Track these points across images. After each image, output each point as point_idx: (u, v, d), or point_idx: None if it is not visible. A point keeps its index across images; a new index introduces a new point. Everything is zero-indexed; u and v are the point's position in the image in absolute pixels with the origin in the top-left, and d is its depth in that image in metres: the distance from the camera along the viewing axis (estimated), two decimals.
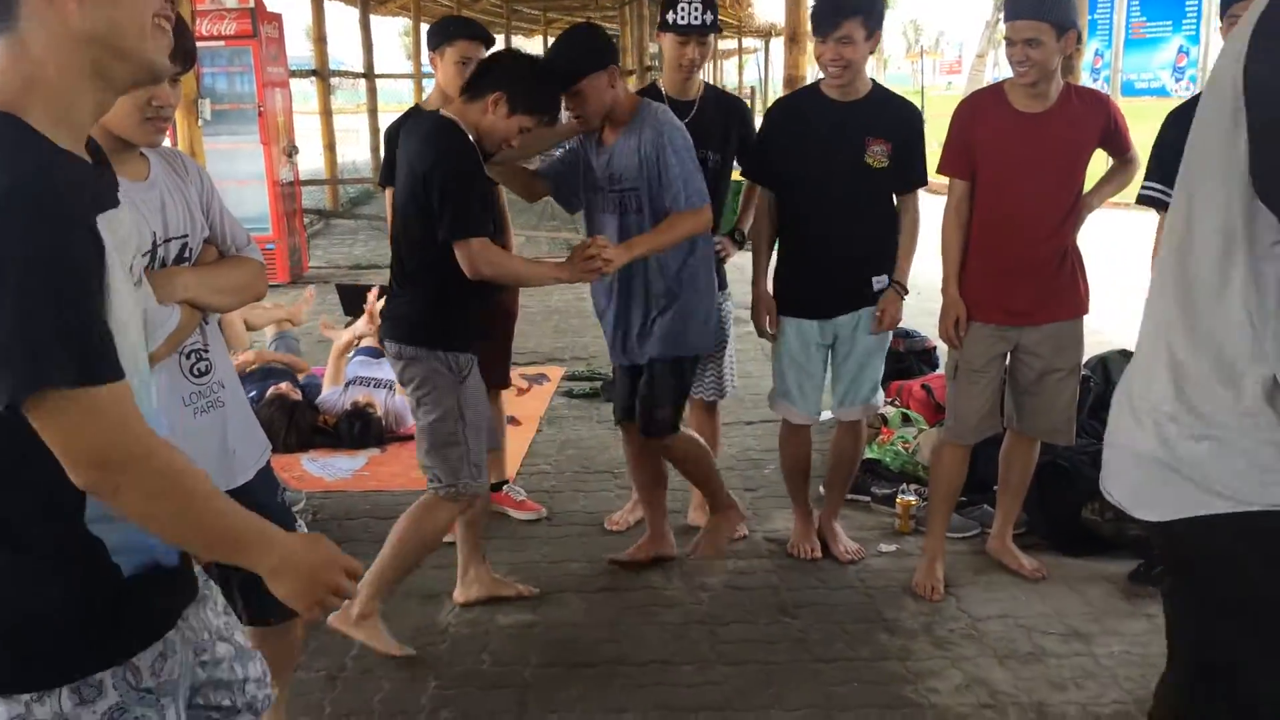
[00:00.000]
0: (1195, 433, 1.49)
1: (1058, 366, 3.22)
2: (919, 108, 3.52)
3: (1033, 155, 3.06)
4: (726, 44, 30.26)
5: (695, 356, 3.37)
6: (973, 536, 3.71)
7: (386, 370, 5.00)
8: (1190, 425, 1.50)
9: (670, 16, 3.47)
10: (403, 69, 29.75)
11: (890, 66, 60.94)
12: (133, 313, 1.30)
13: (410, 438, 4.79)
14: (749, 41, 29.98)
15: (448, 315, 2.92)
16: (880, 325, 3.39)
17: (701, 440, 3.52)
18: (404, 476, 4.38)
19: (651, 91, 3.65)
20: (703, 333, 3.31)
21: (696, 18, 3.47)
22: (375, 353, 5.05)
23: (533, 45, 27.15)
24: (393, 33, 54.64)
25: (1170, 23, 11.09)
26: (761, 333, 3.52)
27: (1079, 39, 3.11)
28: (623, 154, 3.17)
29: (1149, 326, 1.62)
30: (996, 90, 3.18)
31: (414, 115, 3.52)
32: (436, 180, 2.77)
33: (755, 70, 33.08)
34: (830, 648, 3.03)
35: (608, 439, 4.80)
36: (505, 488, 4.04)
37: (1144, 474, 1.58)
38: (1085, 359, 3.41)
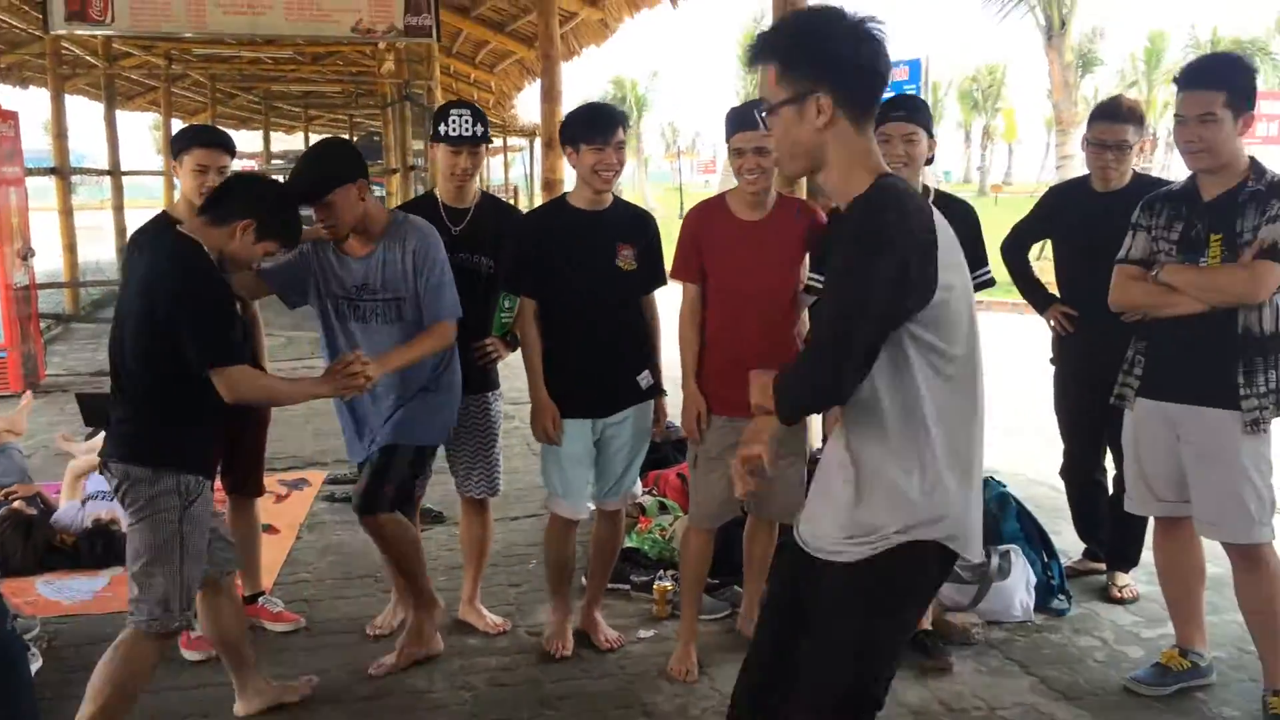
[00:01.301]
0: None
1: (786, 453, 3.48)
2: (653, 215, 3.78)
3: (753, 258, 3.35)
4: (493, 142, 30.78)
5: (432, 448, 3.57)
6: (725, 617, 3.91)
7: None
8: None
9: (442, 129, 3.64)
10: (153, 163, 28.58)
11: (651, 165, 63.51)
12: None
13: None
14: (515, 140, 30.62)
15: (180, 435, 2.87)
16: (658, 428, 3.64)
17: (413, 530, 3.62)
18: None
19: (428, 200, 3.80)
20: (444, 426, 3.55)
21: (468, 130, 3.66)
22: None
23: (293, 141, 26.71)
24: (142, 126, 52.46)
25: None
26: (545, 437, 3.58)
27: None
28: (386, 264, 3.30)
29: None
30: (720, 200, 3.47)
31: (159, 224, 3.50)
32: (187, 308, 2.75)
33: (522, 167, 33.80)
34: None
35: (371, 543, 4.74)
36: (261, 599, 3.94)
37: None
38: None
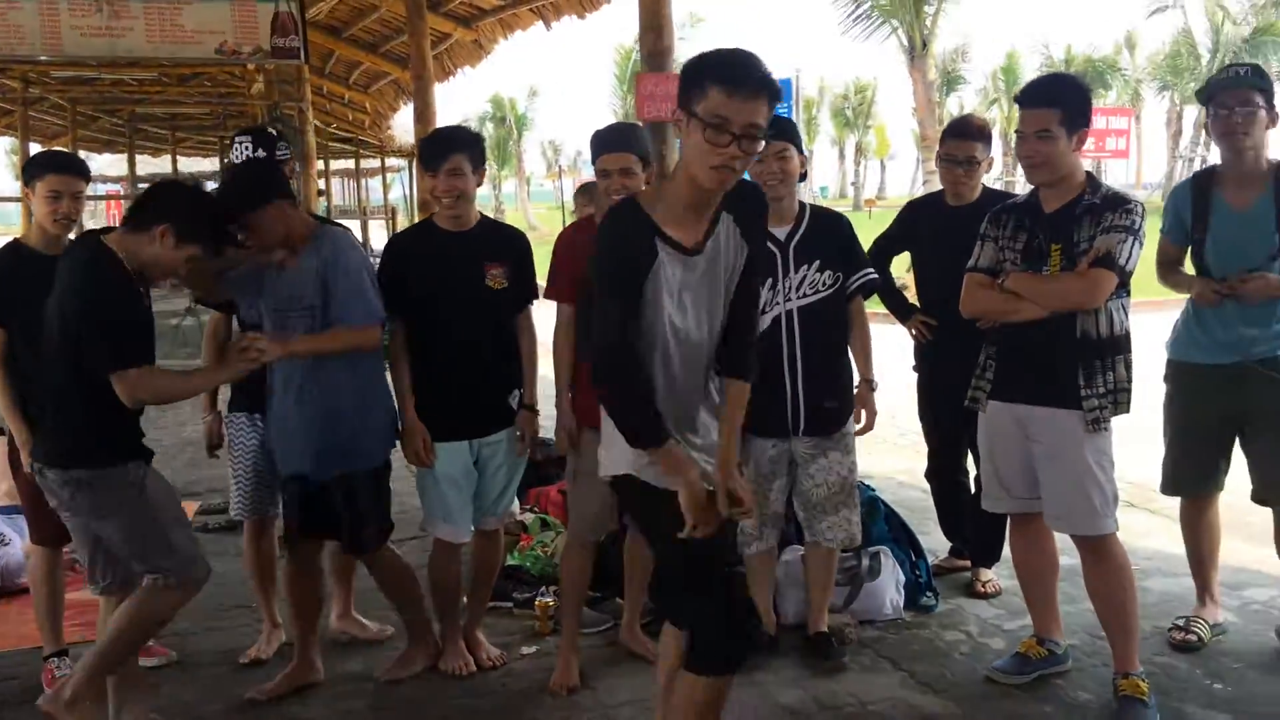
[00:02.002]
0: None
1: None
2: (524, 233, 3.81)
3: None
4: (370, 163, 30.35)
5: (387, 464, 3.52)
6: (606, 629, 3.96)
7: None
8: None
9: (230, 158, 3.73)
10: (10, 189, 27.36)
11: (533, 184, 63.46)
12: None
13: (21, 592, 4.43)
14: (393, 161, 30.26)
15: (106, 427, 2.91)
16: (522, 445, 3.64)
17: (403, 560, 3.68)
18: (14, 634, 4.04)
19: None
20: (385, 440, 3.51)
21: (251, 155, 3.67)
22: None
23: (160, 164, 25.88)
24: None
25: None
26: (416, 460, 3.57)
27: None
28: (303, 275, 3.29)
29: None
30: (589, 221, 3.54)
31: (16, 250, 3.45)
32: (91, 316, 2.80)
33: (400, 188, 33.39)
34: None
35: (244, 573, 4.65)
36: None
37: None
38: None
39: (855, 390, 3.70)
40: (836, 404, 3.62)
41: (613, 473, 2.65)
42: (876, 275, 3.75)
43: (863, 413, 3.72)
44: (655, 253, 2.41)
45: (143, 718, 3.22)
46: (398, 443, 3.55)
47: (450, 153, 3.42)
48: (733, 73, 2.29)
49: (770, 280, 3.50)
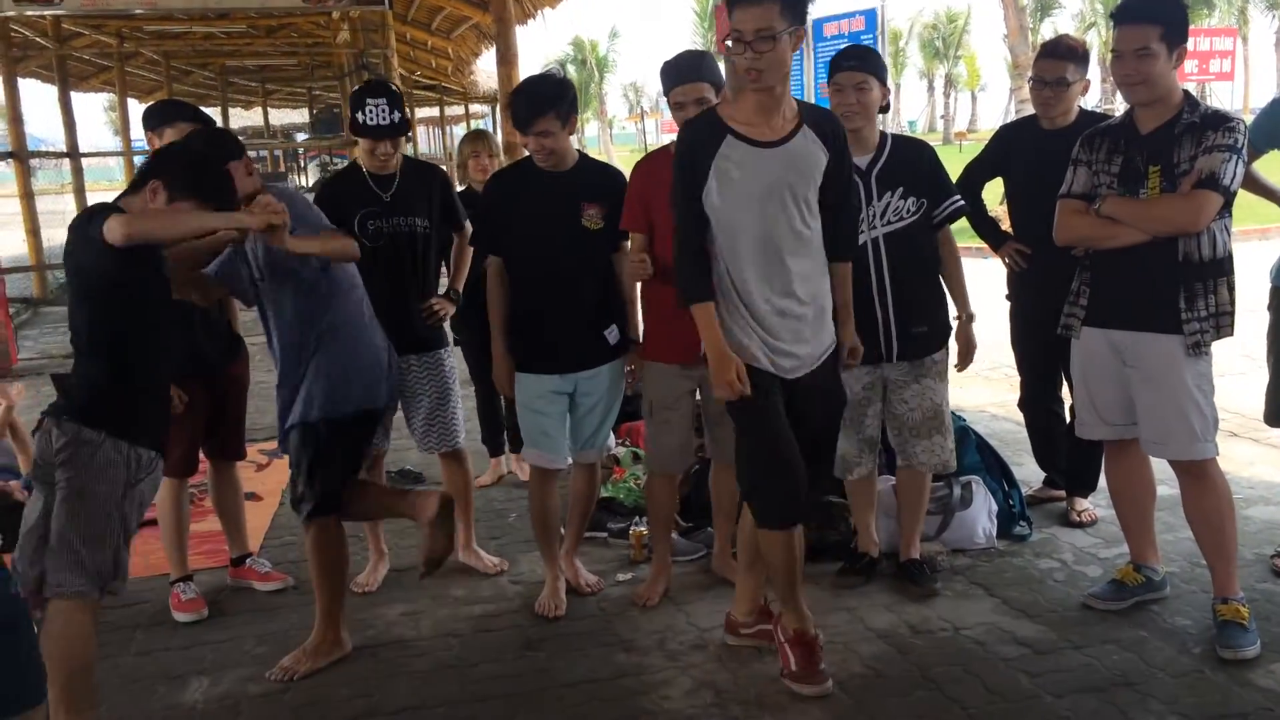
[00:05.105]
0: None
1: None
2: (622, 172, 3.83)
3: None
4: (454, 110, 30.56)
5: (334, 419, 3.29)
6: (700, 558, 4.04)
7: None
8: None
9: (360, 118, 3.69)
10: (110, 145, 28.19)
11: (615, 127, 63.21)
12: None
13: (146, 523, 4.67)
14: (477, 107, 30.43)
15: (131, 399, 2.83)
16: (631, 378, 3.76)
17: (338, 546, 3.43)
18: (141, 563, 4.25)
19: (352, 171, 3.89)
20: (345, 395, 3.30)
21: (384, 119, 3.71)
22: None
23: (252, 117, 26.44)
24: (96, 108, 51.65)
25: None
26: (504, 390, 3.71)
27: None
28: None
29: None
30: (665, 152, 3.51)
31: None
32: (78, 243, 2.76)
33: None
34: (572, 673, 3.24)
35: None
36: (249, 561, 4.05)
37: None
38: None
39: (954, 325, 3.69)
40: (927, 329, 3.62)
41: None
42: (964, 202, 3.71)
43: (964, 347, 3.70)
44: (718, 143, 2.93)
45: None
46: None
47: (537, 116, 3.42)
48: None
49: None
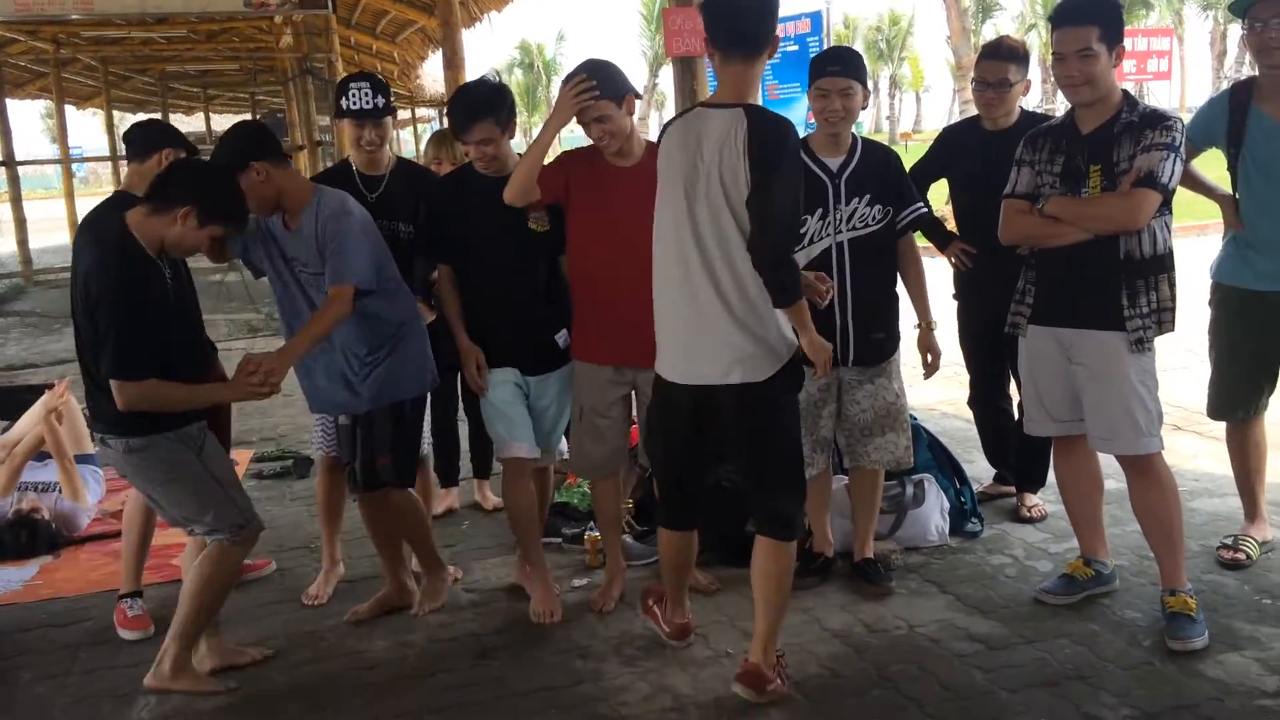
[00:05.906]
0: None
1: None
2: None
3: (619, 206, 3.35)
4: (400, 114, 30.30)
5: (418, 400, 3.60)
6: (654, 562, 4.03)
7: (52, 473, 4.76)
8: None
9: (343, 103, 3.70)
10: (48, 153, 27.62)
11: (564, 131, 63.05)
12: None
13: (85, 540, 4.58)
14: (424, 110, 30.19)
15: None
16: None
17: (416, 501, 3.73)
18: (81, 580, 4.18)
19: (342, 169, 3.85)
20: (420, 375, 3.57)
21: (368, 102, 3.71)
22: (39, 455, 4.78)
23: (193, 123, 26.01)
24: (33, 115, 50.65)
25: (798, 84, 12.41)
26: (474, 385, 3.65)
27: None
28: (306, 239, 3.32)
29: None
30: (593, 149, 3.45)
31: (109, 207, 3.35)
32: (105, 309, 2.85)
33: None
34: (529, 681, 3.21)
35: (302, 516, 4.79)
36: None
37: None
38: None
39: (916, 332, 3.71)
40: (884, 335, 3.64)
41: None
42: (927, 210, 3.74)
43: (925, 355, 3.73)
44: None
45: (219, 647, 3.36)
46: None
47: (474, 123, 3.44)
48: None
49: (821, 211, 3.51)
